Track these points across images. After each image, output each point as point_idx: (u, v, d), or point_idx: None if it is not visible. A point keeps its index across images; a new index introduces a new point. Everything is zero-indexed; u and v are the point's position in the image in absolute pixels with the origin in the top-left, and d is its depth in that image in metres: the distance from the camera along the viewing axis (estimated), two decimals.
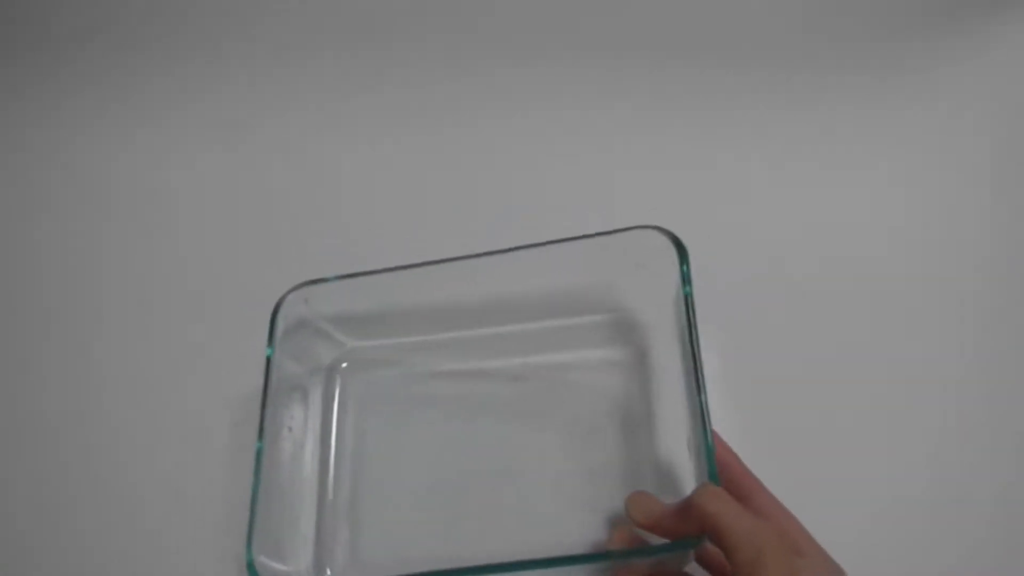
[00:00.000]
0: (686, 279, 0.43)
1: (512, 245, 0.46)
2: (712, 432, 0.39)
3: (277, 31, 0.62)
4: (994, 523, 0.45)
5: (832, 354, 0.49)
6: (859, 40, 0.58)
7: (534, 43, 0.60)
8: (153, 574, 0.48)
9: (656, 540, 0.41)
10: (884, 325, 0.50)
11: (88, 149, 0.61)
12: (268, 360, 0.46)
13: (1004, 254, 0.52)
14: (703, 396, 0.40)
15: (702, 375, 0.40)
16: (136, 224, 0.59)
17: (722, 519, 0.35)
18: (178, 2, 0.62)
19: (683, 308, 0.42)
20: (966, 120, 0.56)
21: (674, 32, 0.59)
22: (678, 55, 0.59)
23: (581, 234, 0.46)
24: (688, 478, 0.43)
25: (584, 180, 0.56)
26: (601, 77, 0.59)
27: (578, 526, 0.44)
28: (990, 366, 0.49)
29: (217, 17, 0.62)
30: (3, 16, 0.63)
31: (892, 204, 0.54)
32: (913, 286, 0.51)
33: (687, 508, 0.37)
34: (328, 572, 0.45)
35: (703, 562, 0.41)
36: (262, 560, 0.40)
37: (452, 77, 0.60)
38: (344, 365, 0.51)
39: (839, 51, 0.58)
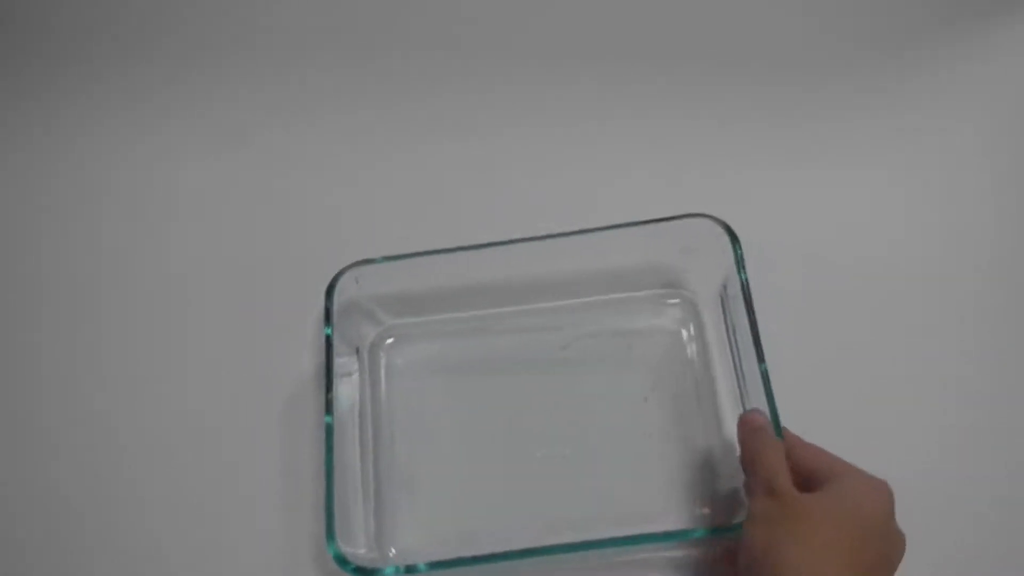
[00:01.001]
0: (740, 264, 0.46)
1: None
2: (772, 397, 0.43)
3: (284, 38, 0.61)
4: (997, 521, 0.47)
5: (842, 350, 0.51)
6: (868, 49, 0.60)
7: (567, 56, 0.61)
8: (211, 551, 0.47)
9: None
10: (898, 323, 0.52)
11: (95, 151, 0.59)
12: (328, 338, 0.46)
13: None
14: (764, 365, 0.43)
15: (760, 346, 0.44)
16: (146, 224, 0.58)
17: (754, 442, 0.41)
18: (183, 8, 0.60)
19: (738, 290, 0.46)
20: (984, 122, 0.58)
21: (696, 47, 0.60)
22: (701, 68, 0.60)
23: (627, 222, 0.48)
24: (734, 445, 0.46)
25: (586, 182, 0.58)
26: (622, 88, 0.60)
27: (629, 491, 0.47)
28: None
29: (223, 23, 0.60)
30: (7, 20, 0.60)
31: (898, 206, 0.56)
32: (925, 286, 0.53)
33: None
34: (392, 551, 0.46)
35: None
36: (340, 546, 0.41)
37: (477, 86, 0.60)
38: (389, 341, 0.52)
39: (848, 60, 0.59)
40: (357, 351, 0.50)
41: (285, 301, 0.53)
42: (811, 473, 0.40)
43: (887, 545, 0.38)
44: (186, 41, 0.60)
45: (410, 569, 0.42)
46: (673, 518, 0.46)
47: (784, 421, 0.43)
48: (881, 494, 0.39)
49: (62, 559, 0.48)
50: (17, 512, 0.49)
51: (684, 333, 0.51)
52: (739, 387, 0.47)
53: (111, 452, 0.50)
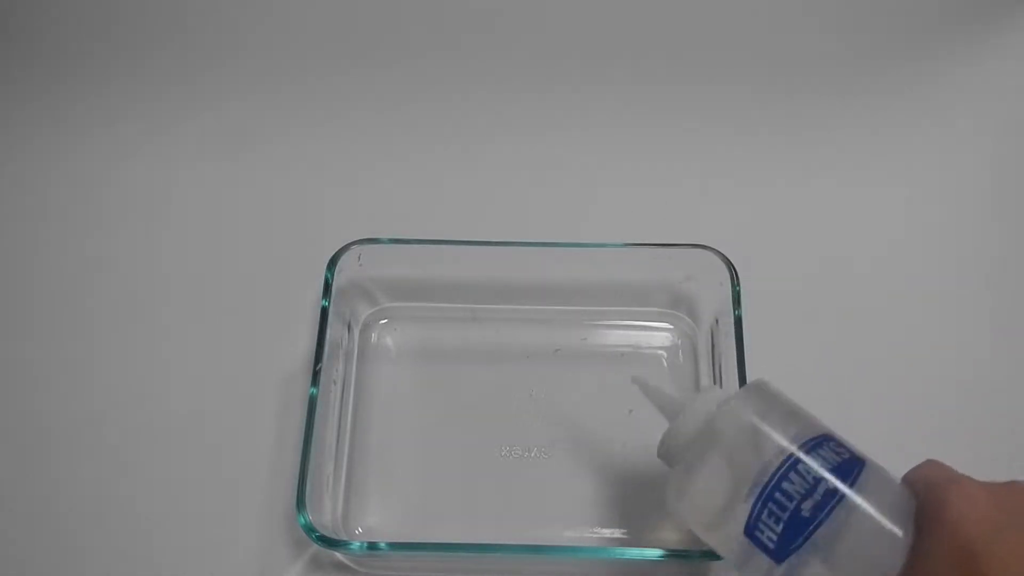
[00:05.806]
0: (736, 300, 0.47)
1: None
2: None
3: (286, 42, 0.61)
4: None
5: (840, 357, 0.52)
6: (872, 58, 0.61)
7: (576, 66, 0.61)
8: (200, 526, 0.47)
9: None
10: (896, 331, 0.52)
11: (93, 157, 0.59)
12: (324, 310, 0.47)
13: None
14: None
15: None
16: (145, 225, 0.58)
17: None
18: (184, 12, 0.61)
19: (730, 324, 0.46)
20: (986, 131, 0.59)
21: (699, 58, 0.62)
22: (704, 80, 0.61)
23: (634, 242, 0.49)
24: None
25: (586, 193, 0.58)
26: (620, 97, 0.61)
27: (604, 499, 0.47)
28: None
29: (225, 26, 0.61)
30: (7, 23, 0.60)
31: (897, 210, 0.57)
32: (925, 297, 0.53)
33: None
34: (359, 530, 0.46)
35: None
36: (310, 517, 0.41)
37: (481, 94, 0.61)
38: (383, 322, 0.52)
39: (851, 70, 0.61)
40: (349, 328, 0.51)
41: (284, 288, 0.54)
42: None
43: None
44: (187, 49, 0.61)
45: (372, 546, 0.42)
46: (635, 535, 0.46)
47: None
48: None
49: (50, 529, 0.47)
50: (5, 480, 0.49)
51: (679, 354, 0.51)
52: None
53: (112, 427, 0.50)
